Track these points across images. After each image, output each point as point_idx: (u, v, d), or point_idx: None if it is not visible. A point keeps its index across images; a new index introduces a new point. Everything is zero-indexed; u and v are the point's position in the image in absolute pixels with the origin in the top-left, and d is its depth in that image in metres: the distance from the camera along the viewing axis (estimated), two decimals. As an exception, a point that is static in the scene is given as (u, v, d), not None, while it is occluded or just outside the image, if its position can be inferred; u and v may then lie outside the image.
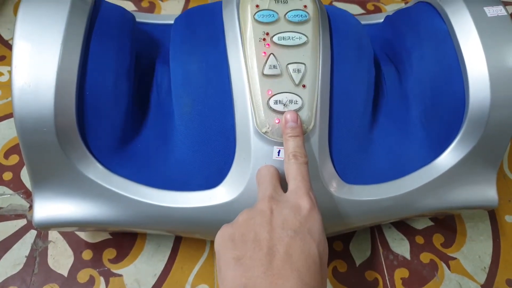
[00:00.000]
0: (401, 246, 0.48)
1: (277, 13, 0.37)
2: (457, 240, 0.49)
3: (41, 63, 0.34)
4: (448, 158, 0.40)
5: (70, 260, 0.45)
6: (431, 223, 0.50)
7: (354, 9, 0.71)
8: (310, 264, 0.27)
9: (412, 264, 0.47)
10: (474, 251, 0.49)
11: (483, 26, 0.39)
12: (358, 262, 0.47)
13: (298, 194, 0.31)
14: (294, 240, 0.28)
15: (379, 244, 0.48)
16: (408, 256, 0.48)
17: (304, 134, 0.35)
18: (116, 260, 0.45)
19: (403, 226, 0.50)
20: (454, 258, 0.48)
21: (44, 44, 0.34)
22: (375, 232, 0.49)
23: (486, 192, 0.42)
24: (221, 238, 0.30)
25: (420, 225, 0.50)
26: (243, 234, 0.29)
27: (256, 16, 0.36)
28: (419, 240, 0.49)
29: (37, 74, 0.34)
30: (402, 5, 0.72)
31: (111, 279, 0.44)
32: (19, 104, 0.34)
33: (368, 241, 0.48)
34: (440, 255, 0.48)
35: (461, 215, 0.51)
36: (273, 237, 0.28)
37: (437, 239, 0.49)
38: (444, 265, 0.47)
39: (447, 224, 0.50)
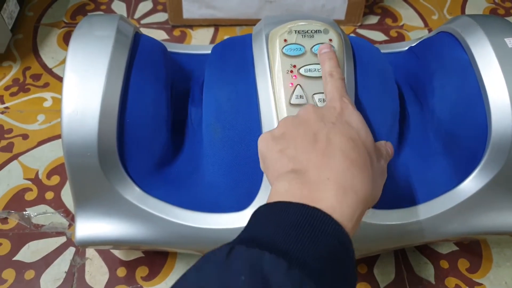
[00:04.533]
0: (425, 270, 0.49)
1: (303, 47, 0.39)
2: (483, 266, 0.49)
3: (87, 94, 0.37)
4: (471, 184, 0.41)
5: (106, 276, 0.47)
6: (456, 248, 0.51)
7: (377, 35, 0.73)
8: (352, 145, 0.28)
9: (437, 289, 0.47)
10: (501, 277, 0.49)
11: (504, 56, 0.40)
12: (382, 285, 0.47)
13: (332, 101, 0.33)
14: (333, 129, 0.29)
15: (403, 267, 0.49)
16: (432, 280, 0.48)
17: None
18: (148, 277, 0.47)
19: (427, 250, 0.50)
20: (480, 284, 0.48)
21: (90, 77, 0.37)
22: (399, 256, 0.50)
23: (511, 217, 0.42)
24: (263, 141, 0.32)
25: (444, 249, 0.50)
26: (283, 132, 0.31)
27: (284, 50, 0.39)
28: (444, 264, 0.49)
29: (83, 104, 0.37)
30: (425, 32, 0.73)
31: (143, 295, 0.46)
32: (67, 131, 0.37)
33: (392, 264, 0.49)
34: (465, 280, 0.48)
35: (487, 241, 0.51)
36: (313, 129, 0.30)
37: (462, 264, 0.49)
38: (469, 290, 0.47)
39: (473, 249, 0.51)
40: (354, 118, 0.31)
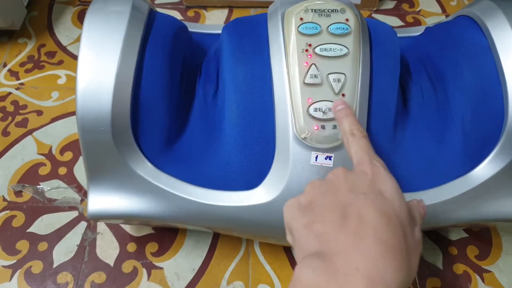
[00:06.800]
0: (433, 256, 0.49)
1: (320, 25, 0.39)
2: (492, 253, 0.49)
3: (102, 68, 0.37)
4: (485, 169, 0.41)
5: (116, 251, 0.48)
6: (465, 235, 0.50)
7: (393, 21, 0.72)
8: (386, 223, 0.26)
9: (444, 275, 0.47)
10: (510, 265, 0.48)
11: (525, 41, 0.39)
12: (390, 269, 0.48)
13: (362, 164, 0.30)
14: (365, 202, 0.27)
15: (411, 252, 0.49)
16: (440, 266, 0.48)
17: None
18: (158, 253, 0.48)
19: (436, 236, 0.50)
20: (489, 271, 0.48)
21: (105, 52, 0.37)
22: (408, 241, 0.50)
23: (523, 205, 0.42)
24: (289, 210, 0.30)
25: (454, 236, 0.50)
26: (310, 201, 0.29)
27: (300, 28, 0.38)
28: (453, 251, 0.49)
29: (98, 79, 0.37)
30: (442, 18, 0.72)
31: (152, 271, 0.47)
32: (81, 105, 0.37)
33: (400, 249, 0.49)
34: (474, 267, 0.48)
35: (497, 229, 0.51)
36: (343, 200, 0.27)
37: (471, 251, 0.49)
38: (478, 277, 0.47)
39: (482, 236, 0.50)
40: (388, 186, 0.28)
